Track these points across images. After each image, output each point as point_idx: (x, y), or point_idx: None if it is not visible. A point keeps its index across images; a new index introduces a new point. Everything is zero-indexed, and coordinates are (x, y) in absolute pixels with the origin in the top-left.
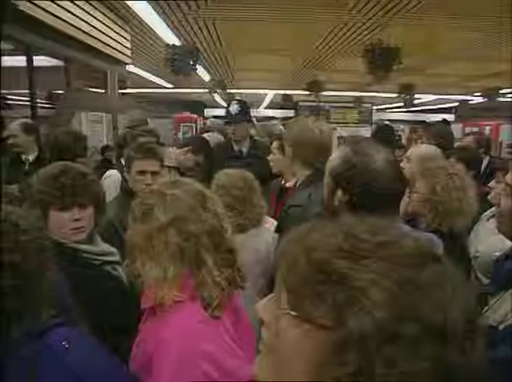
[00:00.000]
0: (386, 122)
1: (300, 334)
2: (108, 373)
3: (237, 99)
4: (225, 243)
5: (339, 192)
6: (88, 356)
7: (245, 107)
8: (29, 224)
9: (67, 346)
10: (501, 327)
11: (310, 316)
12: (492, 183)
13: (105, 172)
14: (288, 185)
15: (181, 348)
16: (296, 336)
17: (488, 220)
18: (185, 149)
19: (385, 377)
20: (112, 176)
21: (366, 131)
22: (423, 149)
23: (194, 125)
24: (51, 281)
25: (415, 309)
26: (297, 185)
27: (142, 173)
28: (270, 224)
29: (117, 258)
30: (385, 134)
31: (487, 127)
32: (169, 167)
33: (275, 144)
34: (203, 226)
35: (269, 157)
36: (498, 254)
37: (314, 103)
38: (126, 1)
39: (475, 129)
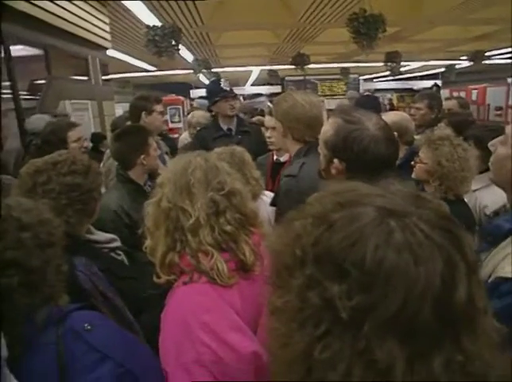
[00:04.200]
0: (367, 93)
1: None
2: (129, 347)
3: (219, 77)
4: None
5: (336, 162)
6: (110, 334)
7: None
8: (31, 218)
9: (89, 328)
10: (489, 281)
11: None
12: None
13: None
14: (282, 159)
15: (178, 319)
16: None
17: None
18: None
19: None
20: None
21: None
22: (392, 116)
23: (181, 107)
24: (62, 271)
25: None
26: (291, 158)
27: None
28: (268, 197)
29: (118, 243)
30: (370, 103)
31: (474, 91)
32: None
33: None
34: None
35: (267, 134)
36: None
37: (300, 78)
38: None
39: (462, 93)
